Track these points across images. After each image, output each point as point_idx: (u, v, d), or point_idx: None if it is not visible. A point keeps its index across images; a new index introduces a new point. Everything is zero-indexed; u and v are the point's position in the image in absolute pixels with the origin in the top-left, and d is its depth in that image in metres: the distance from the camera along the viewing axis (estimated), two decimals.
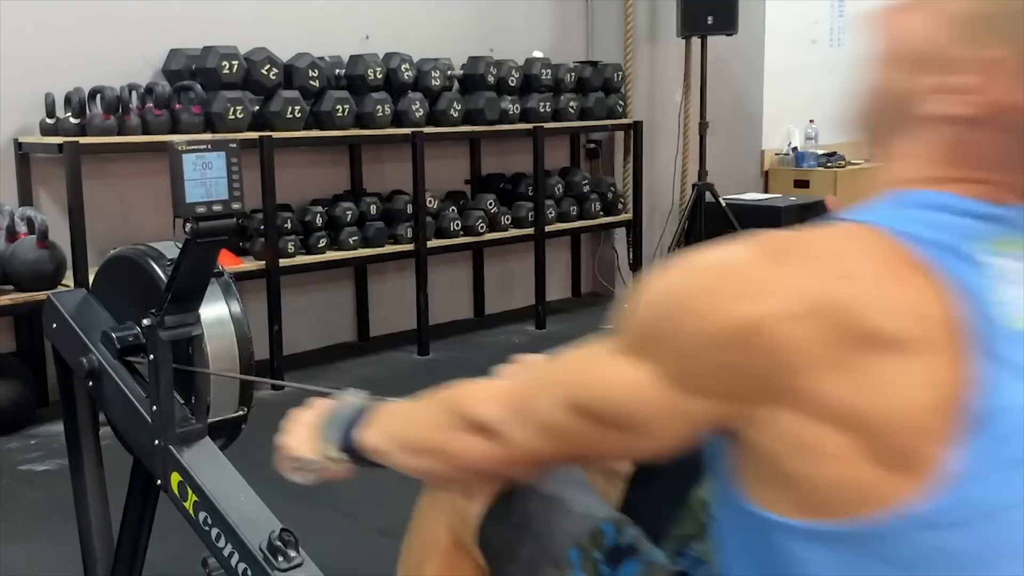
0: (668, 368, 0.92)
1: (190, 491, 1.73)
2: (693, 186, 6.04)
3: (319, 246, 4.44)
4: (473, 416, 1.07)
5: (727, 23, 5.72)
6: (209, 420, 1.84)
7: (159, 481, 1.81)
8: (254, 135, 4.12)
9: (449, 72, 4.91)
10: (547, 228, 5.25)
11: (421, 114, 4.70)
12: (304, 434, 1.30)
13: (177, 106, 3.98)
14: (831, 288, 0.86)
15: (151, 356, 1.77)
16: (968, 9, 0.92)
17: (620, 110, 5.74)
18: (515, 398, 1.05)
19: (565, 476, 1.27)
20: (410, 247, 4.71)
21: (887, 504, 0.86)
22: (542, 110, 5.23)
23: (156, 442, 1.78)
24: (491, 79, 5.01)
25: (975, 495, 0.86)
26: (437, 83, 4.79)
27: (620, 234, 6.01)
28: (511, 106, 5.08)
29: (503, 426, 1.04)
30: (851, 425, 0.85)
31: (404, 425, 1.20)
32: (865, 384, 0.85)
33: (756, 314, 0.86)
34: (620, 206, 5.81)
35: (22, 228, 3.67)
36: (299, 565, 1.62)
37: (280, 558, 1.62)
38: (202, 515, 1.72)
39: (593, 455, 1.12)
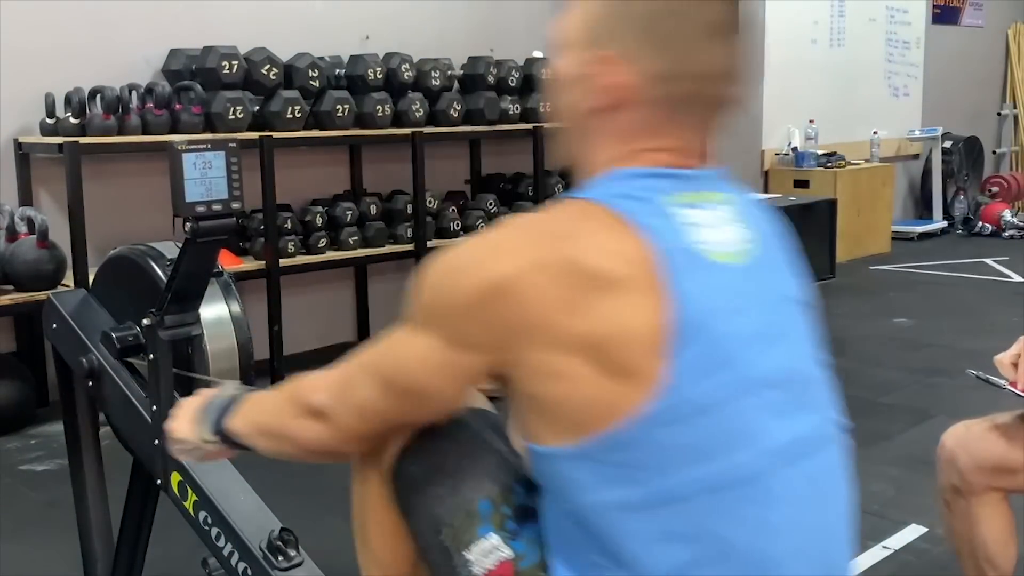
0: (442, 333, 1.15)
1: (190, 491, 1.74)
2: None
3: (319, 246, 4.44)
4: (308, 403, 1.29)
5: None
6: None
7: (159, 481, 1.81)
8: (254, 135, 4.12)
9: (449, 72, 4.91)
10: None
11: (421, 114, 4.70)
12: (187, 419, 1.49)
13: (177, 106, 3.98)
14: (556, 246, 1.10)
15: (151, 356, 1.77)
16: (581, 25, 1.20)
17: None
18: (339, 383, 1.27)
19: (488, 421, 1.33)
20: (410, 247, 4.71)
21: (623, 413, 1.08)
22: (542, 110, 5.23)
23: (156, 442, 1.78)
24: (491, 79, 5.01)
25: (688, 395, 1.09)
26: (437, 83, 4.79)
27: None
28: (511, 106, 5.08)
29: (330, 410, 1.26)
30: (585, 349, 1.08)
31: (260, 413, 1.40)
32: (592, 315, 1.08)
33: (497, 274, 1.10)
34: None
35: (22, 228, 3.67)
36: (299, 564, 1.62)
37: (280, 557, 1.62)
38: (202, 515, 1.72)
39: (405, 422, 1.28)
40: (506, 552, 1.21)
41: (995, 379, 1.87)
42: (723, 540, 1.12)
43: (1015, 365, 1.85)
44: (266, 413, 1.39)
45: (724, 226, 1.18)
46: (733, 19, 1.21)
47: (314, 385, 1.30)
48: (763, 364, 1.15)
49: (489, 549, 1.22)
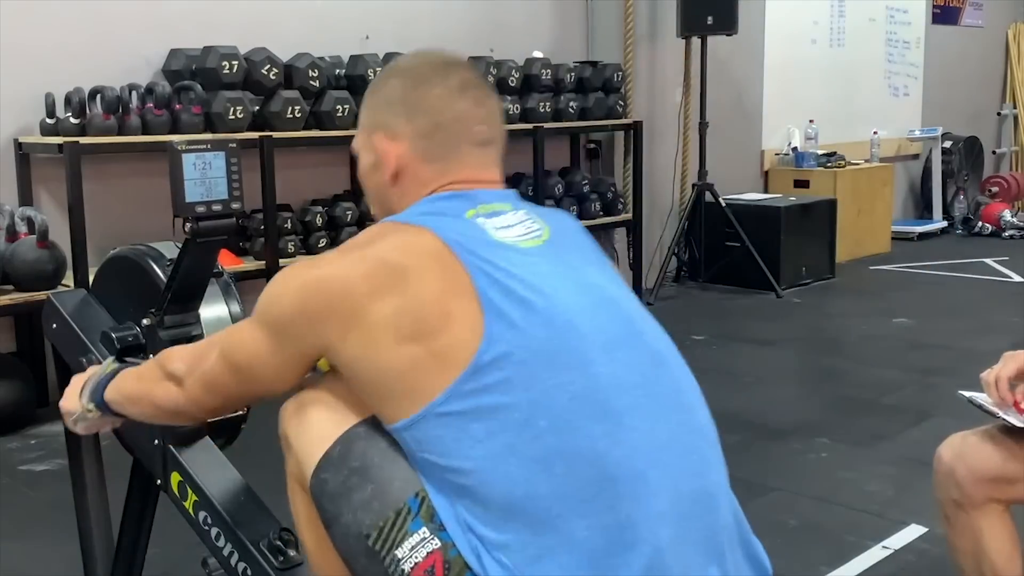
0: (271, 326, 1.37)
1: (190, 491, 1.73)
2: (693, 186, 6.04)
3: (319, 246, 4.44)
4: (166, 368, 1.51)
5: (727, 23, 5.72)
6: (209, 420, 1.84)
7: (159, 481, 1.81)
8: (254, 135, 4.13)
9: None
10: None
11: None
12: (74, 392, 1.71)
13: (177, 106, 3.98)
14: (362, 251, 1.33)
15: (151, 356, 1.77)
16: (368, 106, 1.52)
17: (620, 110, 5.74)
18: (193, 355, 1.50)
19: None
20: None
21: (446, 377, 1.24)
22: (542, 110, 5.23)
23: (156, 442, 1.78)
24: (491, 79, 5.01)
25: (505, 348, 1.25)
26: None
27: (620, 234, 6.01)
28: (511, 106, 5.08)
29: (183, 375, 1.48)
30: (396, 322, 1.26)
31: (130, 381, 1.61)
32: (398, 295, 1.27)
33: (313, 276, 1.33)
34: (620, 206, 5.80)
35: (22, 228, 3.68)
36: (299, 564, 1.62)
37: (280, 557, 1.62)
38: (202, 515, 1.72)
39: (242, 397, 1.50)
40: (435, 543, 1.24)
41: (988, 407, 1.83)
42: (570, 453, 1.24)
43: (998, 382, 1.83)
44: (134, 381, 1.60)
45: (517, 224, 1.40)
46: (479, 80, 1.49)
47: (176, 354, 1.52)
48: (576, 301, 1.32)
49: (418, 542, 1.25)
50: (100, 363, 1.87)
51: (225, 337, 1.46)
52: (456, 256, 1.30)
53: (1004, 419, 1.80)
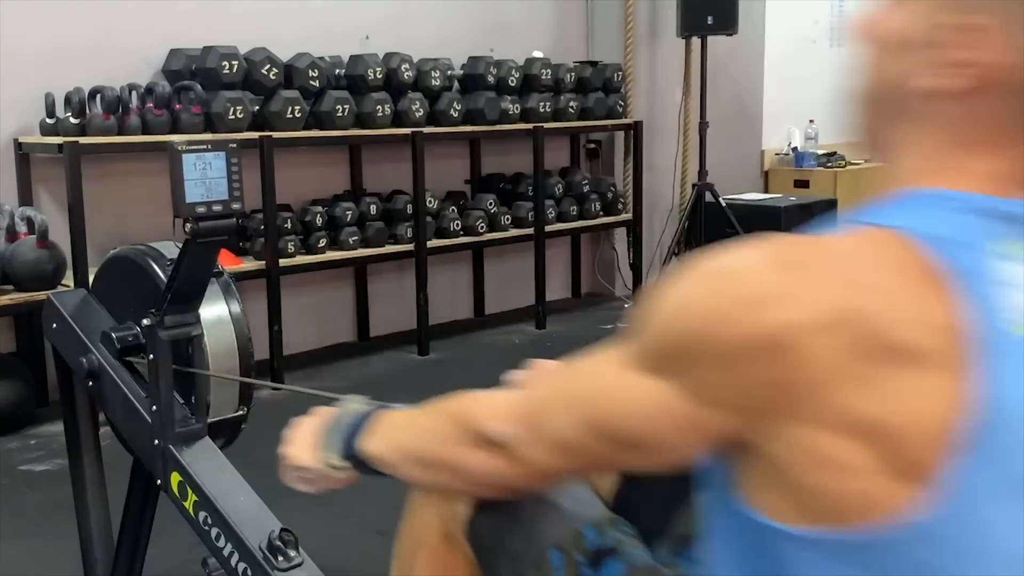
0: (686, 382, 0.89)
1: (190, 491, 1.74)
2: (693, 186, 6.04)
3: (319, 246, 4.44)
4: (484, 431, 1.05)
5: (727, 23, 5.72)
6: (209, 420, 1.84)
7: (159, 481, 1.81)
8: (254, 135, 4.12)
9: (449, 72, 4.91)
10: (547, 228, 5.25)
11: (421, 114, 4.70)
12: (306, 443, 1.28)
13: (177, 106, 3.98)
14: (852, 297, 0.83)
15: (151, 356, 1.77)
16: None
17: (620, 110, 5.74)
18: (528, 414, 1.03)
19: None
20: (410, 247, 4.71)
21: (888, 514, 0.84)
22: (542, 110, 5.23)
23: (156, 442, 1.79)
24: (491, 79, 5.01)
25: (973, 510, 0.83)
26: (437, 83, 4.79)
27: (620, 234, 6.02)
28: (511, 106, 5.08)
29: (516, 443, 1.02)
30: (868, 437, 0.83)
31: (410, 436, 1.18)
32: (884, 396, 0.82)
33: (779, 324, 0.83)
34: (620, 206, 5.81)
35: (22, 228, 3.67)
36: (299, 565, 1.62)
37: (280, 558, 1.62)
38: (202, 515, 1.72)
39: (607, 468, 1.12)
40: None
41: None
42: None
43: None
44: (420, 436, 1.17)
45: None
46: None
47: (490, 410, 1.07)
48: None
49: None
50: (100, 363, 1.86)
51: (585, 391, 0.99)
52: (975, 356, 0.83)
53: None
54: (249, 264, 4.23)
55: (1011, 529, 0.85)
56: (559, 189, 5.43)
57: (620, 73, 5.72)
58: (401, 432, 1.20)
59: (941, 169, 0.92)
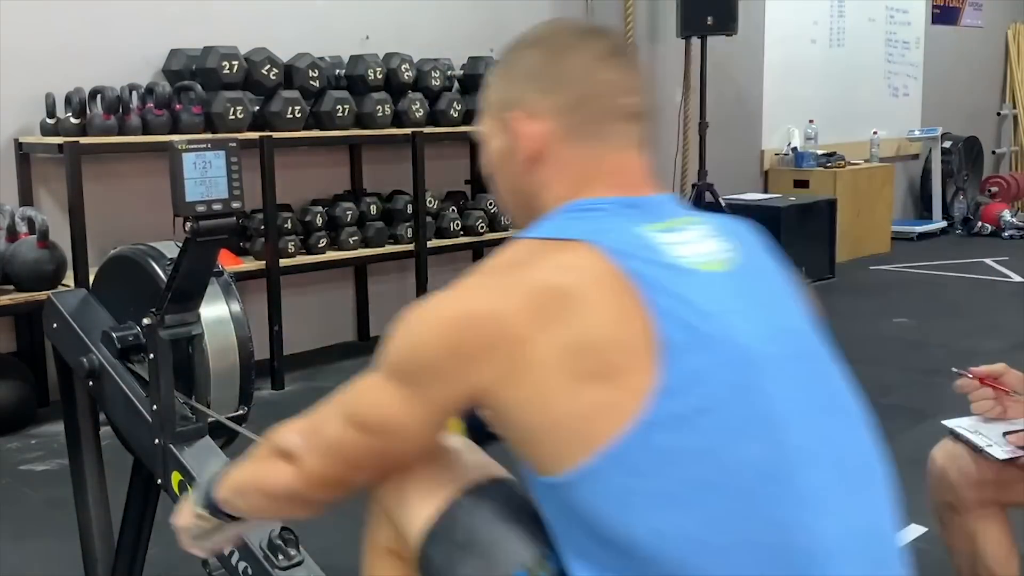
0: (411, 375, 1.15)
1: (191, 490, 1.74)
2: (693, 186, 6.04)
3: (319, 246, 4.44)
4: (277, 445, 1.25)
5: (727, 23, 5.73)
6: (209, 419, 1.84)
7: (159, 480, 1.81)
8: (254, 135, 4.12)
9: (449, 72, 4.91)
10: None
11: (421, 114, 4.70)
12: (187, 509, 1.45)
13: (177, 106, 3.98)
14: (516, 273, 1.13)
15: (151, 356, 1.77)
16: (499, 83, 1.34)
17: None
18: (312, 425, 1.24)
19: (508, 487, 1.28)
20: (410, 247, 4.71)
21: (621, 422, 1.06)
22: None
23: (156, 441, 1.79)
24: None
25: (686, 397, 1.07)
26: (437, 83, 4.79)
27: None
28: None
29: (301, 451, 1.22)
30: (561, 360, 1.08)
31: (237, 471, 1.34)
32: (569, 326, 1.08)
33: (462, 307, 1.14)
34: None
35: (22, 228, 3.68)
36: (299, 563, 1.62)
37: (280, 556, 1.62)
38: None
39: (374, 467, 1.25)
40: None
41: (973, 439, 1.82)
42: (750, 540, 1.08)
43: (985, 381, 1.84)
44: (241, 469, 1.33)
45: (702, 241, 1.20)
46: (620, 45, 1.31)
47: (286, 428, 1.27)
48: (767, 349, 1.14)
49: None
50: (101, 362, 1.87)
51: (349, 398, 1.22)
52: (627, 279, 1.11)
53: (986, 452, 1.79)
54: (249, 264, 4.23)
55: (725, 404, 1.10)
56: None
57: None
58: (232, 472, 1.35)
59: (566, 195, 1.24)
